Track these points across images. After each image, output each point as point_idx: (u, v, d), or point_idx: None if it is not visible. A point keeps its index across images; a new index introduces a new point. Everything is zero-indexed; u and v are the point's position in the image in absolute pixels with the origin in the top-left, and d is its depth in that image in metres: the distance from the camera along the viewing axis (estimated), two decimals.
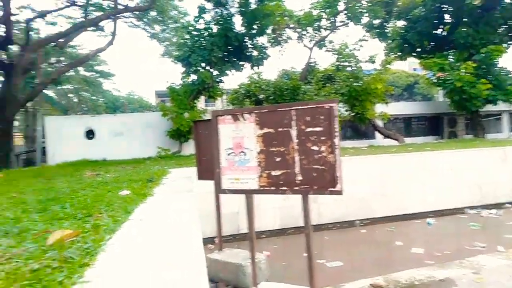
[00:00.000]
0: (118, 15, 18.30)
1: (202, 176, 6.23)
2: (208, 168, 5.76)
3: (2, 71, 19.52)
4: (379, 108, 18.08)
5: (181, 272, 1.78)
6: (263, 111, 4.18)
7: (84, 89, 27.55)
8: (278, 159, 4.13)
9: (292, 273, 6.68)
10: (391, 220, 10.26)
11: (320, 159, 3.81)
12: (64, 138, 15.37)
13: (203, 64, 16.56)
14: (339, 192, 3.70)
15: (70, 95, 28.71)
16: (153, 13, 20.91)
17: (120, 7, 18.27)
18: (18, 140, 23.42)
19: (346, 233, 9.53)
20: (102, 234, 2.50)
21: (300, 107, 3.93)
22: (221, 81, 17.35)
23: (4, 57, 19.11)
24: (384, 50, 24.23)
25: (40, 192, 5.17)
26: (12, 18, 18.28)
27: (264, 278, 5.45)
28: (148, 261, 1.99)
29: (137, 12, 20.39)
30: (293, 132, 3.99)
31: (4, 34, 17.94)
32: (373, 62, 19.27)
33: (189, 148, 15.79)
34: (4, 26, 17.95)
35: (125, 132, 15.76)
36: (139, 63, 76.44)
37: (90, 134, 15.91)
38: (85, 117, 17.33)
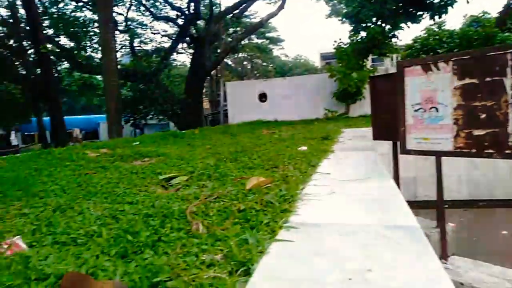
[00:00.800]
0: None
1: (378, 136, 5.81)
2: (385, 127, 5.33)
3: (192, 44, 22.66)
4: None
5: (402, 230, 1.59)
6: (465, 57, 3.48)
7: (256, 56, 29.62)
8: (482, 116, 3.42)
9: (483, 250, 5.77)
10: None
11: None
12: (242, 101, 16.98)
13: (374, 19, 15.37)
14: None
15: (245, 62, 31.38)
16: None
17: None
18: (205, 104, 27.23)
19: None
20: (293, 184, 2.52)
21: None
22: (393, 36, 15.81)
23: (193, 31, 22.04)
24: None
25: (229, 146, 5.77)
26: None
27: (450, 252, 4.84)
28: (353, 212, 1.88)
29: None
30: (508, 82, 3.20)
31: (193, 11, 20.62)
32: None
33: (357, 109, 15.23)
34: (193, 4, 20.60)
35: (294, 94, 16.29)
36: (305, 26, 77.26)
37: (263, 97, 17.08)
38: (258, 81, 18.65)
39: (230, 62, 30.67)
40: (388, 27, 15.56)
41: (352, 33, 15.95)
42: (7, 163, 4.49)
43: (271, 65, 33.79)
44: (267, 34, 28.83)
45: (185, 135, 8.01)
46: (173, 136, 7.62)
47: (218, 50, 23.40)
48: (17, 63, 21.08)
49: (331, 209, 1.97)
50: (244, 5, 20.60)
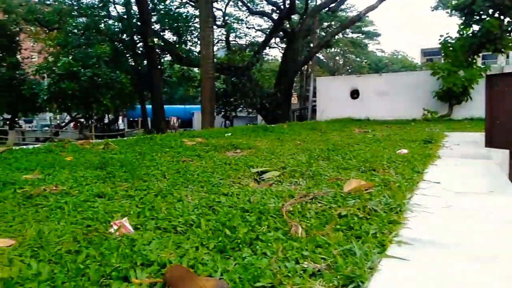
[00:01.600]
0: None
1: (493, 142, 5.12)
2: (503, 133, 4.65)
3: (285, 38, 22.70)
4: None
5: None
6: None
7: (350, 51, 28.58)
8: None
9: None
10: None
11: None
12: (331, 97, 16.52)
13: (490, 11, 13.64)
14: None
15: (337, 57, 30.52)
16: None
17: None
18: (293, 99, 27.18)
19: None
20: (398, 191, 2.28)
21: None
22: None
23: (287, 25, 22.03)
24: None
25: (319, 143, 5.59)
26: None
27: None
28: (482, 234, 1.60)
29: None
30: None
31: (288, 6, 20.60)
32: None
33: (461, 111, 13.73)
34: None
35: (389, 92, 15.31)
36: (406, 20, 72.28)
37: (354, 93, 16.39)
38: (350, 77, 17.96)
39: (321, 57, 30.10)
40: (507, 19, 13.71)
41: (462, 26, 14.38)
42: (116, 145, 4.94)
43: (365, 60, 32.30)
44: (363, 28, 27.58)
45: (275, 129, 8.02)
46: (263, 129, 7.68)
47: (311, 45, 23.11)
48: (128, 55, 23.43)
49: (449, 226, 1.71)
50: None
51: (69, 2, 22.21)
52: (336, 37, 24.10)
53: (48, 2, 22.88)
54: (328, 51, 28.80)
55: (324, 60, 30.52)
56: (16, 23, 22.24)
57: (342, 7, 22.90)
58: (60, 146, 4.73)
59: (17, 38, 23.23)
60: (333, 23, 24.82)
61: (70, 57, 18.26)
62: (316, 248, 1.45)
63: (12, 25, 22.11)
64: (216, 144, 5.16)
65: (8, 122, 24.19)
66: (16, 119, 24.86)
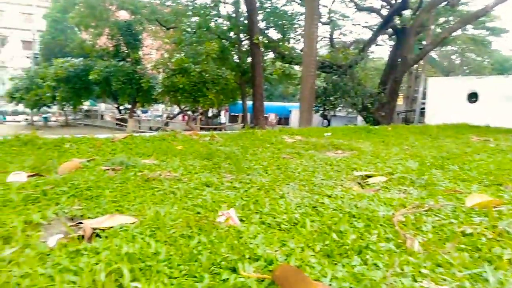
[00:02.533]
0: None
1: None
2: None
3: (394, 35, 21.33)
4: None
5: None
6: None
7: (470, 50, 25.57)
8: None
9: None
10: None
11: None
12: (444, 100, 15.02)
13: None
14: None
15: (452, 56, 27.63)
16: None
17: None
18: (399, 100, 25.43)
19: None
20: None
21: None
22: None
23: (397, 22, 20.65)
24: None
25: (430, 149, 5.10)
26: None
27: None
28: None
29: None
30: None
31: (401, 1, 19.27)
32: None
33: None
34: None
35: None
36: None
37: (472, 97, 14.64)
38: (469, 78, 16.10)
39: (435, 56, 27.54)
40: None
41: None
42: (220, 137, 5.19)
43: (488, 60, 28.58)
44: (487, 24, 24.37)
45: (378, 131, 7.58)
46: (366, 131, 7.31)
47: (423, 42, 21.31)
48: (233, 52, 24.57)
49: None
50: None
51: (185, 2, 24.16)
52: (454, 33, 21.78)
53: (167, 4, 25.21)
54: (443, 49, 26.19)
55: (438, 59, 27.83)
56: (141, 23, 24.98)
57: (464, 0, 20.58)
58: (172, 135, 5.15)
59: (140, 36, 26.11)
60: (451, 18, 22.47)
61: (182, 54, 19.87)
62: (437, 267, 1.28)
63: (137, 24, 24.91)
64: (316, 143, 5.07)
65: (128, 111, 27.44)
66: (135, 109, 28.05)
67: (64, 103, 26.57)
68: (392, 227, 1.69)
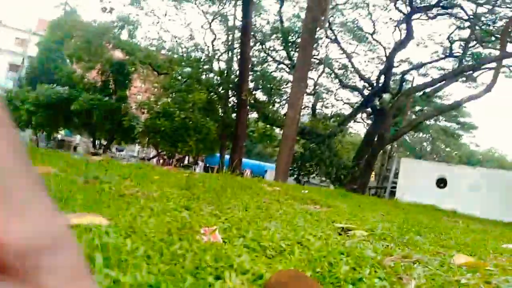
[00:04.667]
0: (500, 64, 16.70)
1: None
2: None
3: (372, 115, 22.49)
4: None
5: None
6: None
7: (440, 139, 27.12)
8: None
9: None
10: None
11: None
12: (414, 181, 15.49)
13: None
14: None
15: (424, 143, 29.13)
16: None
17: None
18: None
19: None
20: None
21: None
22: None
23: (377, 103, 21.91)
24: None
25: (405, 218, 5.10)
26: (392, 70, 20.78)
27: None
28: None
29: None
30: None
31: (382, 84, 20.65)
32: None
33: None
34: (384, 77, 20.68)
35: (484, 188, 13.89)
36: (508, 118, 67.64)
37: (441, 182, 15.21)
38: (439, 164, 16.84)
39: (407, 139, 29.01)
40: None
41: None
42: (199, 176, 5.05)
43: (456, 152, 30.28)
44: (459, 119, 26.20)
45: (353, 196, 7.63)
46: (341, 194, 7.34)
47: (398, 125, 22.52)
48: (219, 105, 25.08)
49: None
50: (439, 85, 19.49)
51: (180, 53, 25.00)
52: (428, 122, 23.22)
53: (163, 52, 26.02)
54: (416, 135, 27.71)
55: (410, 142, 29.33)
56: (134, 64, 25.45)
57: (439, 94, 22.24)
58: (149, 166, 4.98)
59: (130, 76, 26.43)
60: (426, 108, 24.09)
61: (169, 99, 20.10)
62: None
63: (130, 65, 25.35)
64: (295, 195, 5.00)
65: (103, 147, 26.82)
66: (110, 146, 27.49)
67: (38, 128, 25.80)
68: (383, 268, 1.60)
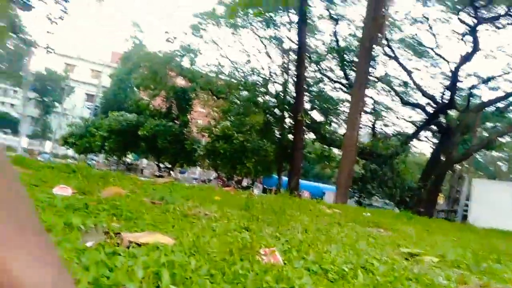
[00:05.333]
0: None
1: None
2: None
3: (439, 133, 21.20)
4: None
5: None
6: None
7: None
8: None
9: None
10: None
11: None
12: (490, 204, 14.16)
13: None
14: None
15: (499, 162, 26.71)
16: None
17: None
18: (439, 199, 24.29)
19: None
20: None
21: None
22: None
23: (443, 120, 20.65)
24: None
25: (481, 244, 4.67)
26: (458, 85, 19.56)
27: None
28: None
29: None
30: None
31: (447, 100, 19.46)
32: None
33: None
34: (450, 92, 19.50)
35: None
36: None
37: None
38: None
39: (479, 158, 26.77)
40: None
41: None
42: (258, 197, 5.09)
43: None
44: None
45: (420, 220, 7.16)
46: (407, 217, 6.92)
47: (467, 143, 20.93)
48: (275, 127, 25.28)
49: None
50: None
51: (238, 78, 25.83)
52: (502, 139, 21.30)
53: (221, 77, 27.07)
54: (488, 154, 25.50)
55: (483, 162, 27.00)
56: (195, 90, 26.73)
57: None
58: (210, 188, 5.13)
59: (191, 102, 27.74)
60: (499, 124, 22.17)
61: (228, 122, 20.70)
62: None
63: (191, 91, 26.67)
64: (356, 218, 4.83)
65: (168, 169, 28.15)
66: (174, 168, 28.77)
67: (110, 153, 27.86)
68: None
